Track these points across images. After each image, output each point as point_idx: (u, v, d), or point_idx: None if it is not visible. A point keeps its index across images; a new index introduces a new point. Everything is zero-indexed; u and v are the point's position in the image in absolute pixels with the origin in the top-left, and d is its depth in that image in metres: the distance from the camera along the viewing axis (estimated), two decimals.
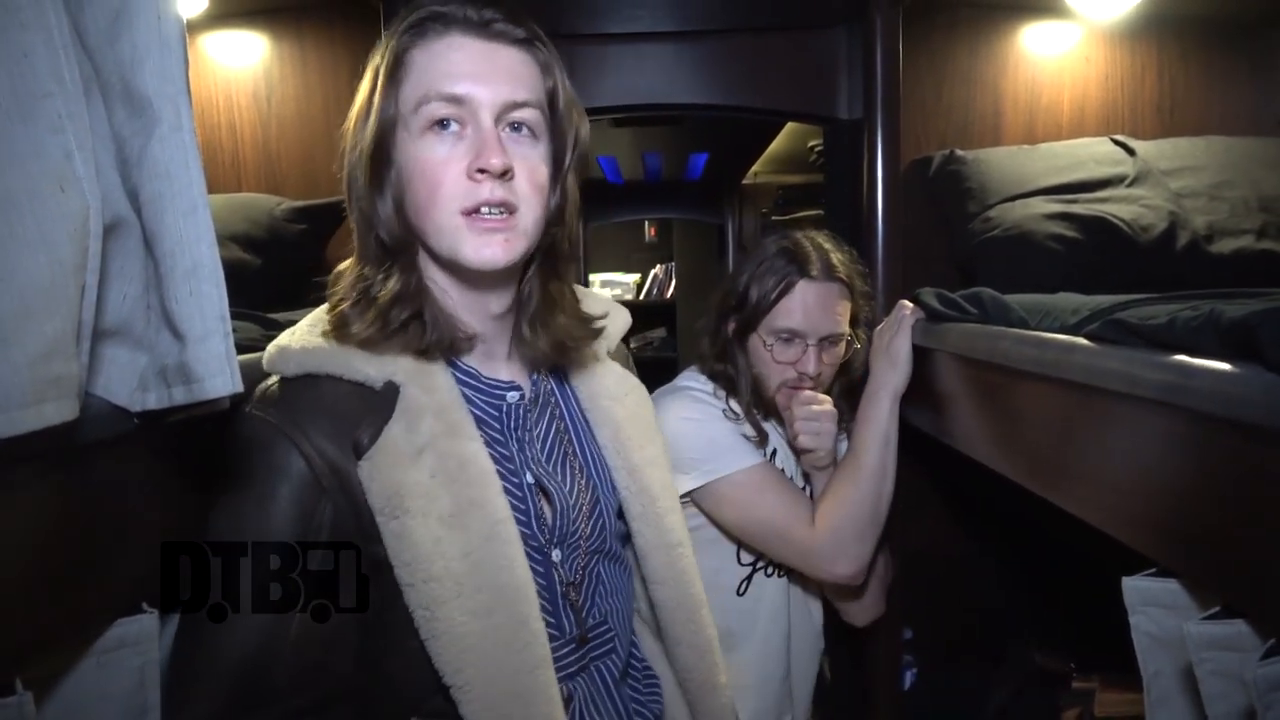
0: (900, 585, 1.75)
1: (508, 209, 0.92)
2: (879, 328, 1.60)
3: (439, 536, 0.87)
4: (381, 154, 0.93)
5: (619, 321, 1.17)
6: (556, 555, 1.00)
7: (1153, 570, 0.87)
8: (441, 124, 0.92)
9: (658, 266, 6.77)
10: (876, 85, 1.88)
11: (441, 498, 0.89)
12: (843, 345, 1.58)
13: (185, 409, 0.76)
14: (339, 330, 0.93)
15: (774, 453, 1.62)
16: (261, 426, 0.87)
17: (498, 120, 0.93)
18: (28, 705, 0.63)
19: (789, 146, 4.05)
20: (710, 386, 1.62)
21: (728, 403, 1.59)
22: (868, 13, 1.88)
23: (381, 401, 0.90)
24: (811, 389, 1.54)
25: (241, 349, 1.24)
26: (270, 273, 1.81)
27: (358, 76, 0.98)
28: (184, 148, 0.73)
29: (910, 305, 1.58)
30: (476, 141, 0.91)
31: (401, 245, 0.95)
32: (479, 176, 0.90)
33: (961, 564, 2.23)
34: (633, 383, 1.18)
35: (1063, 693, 1.83)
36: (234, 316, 1.57)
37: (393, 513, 0.87)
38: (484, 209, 0.91)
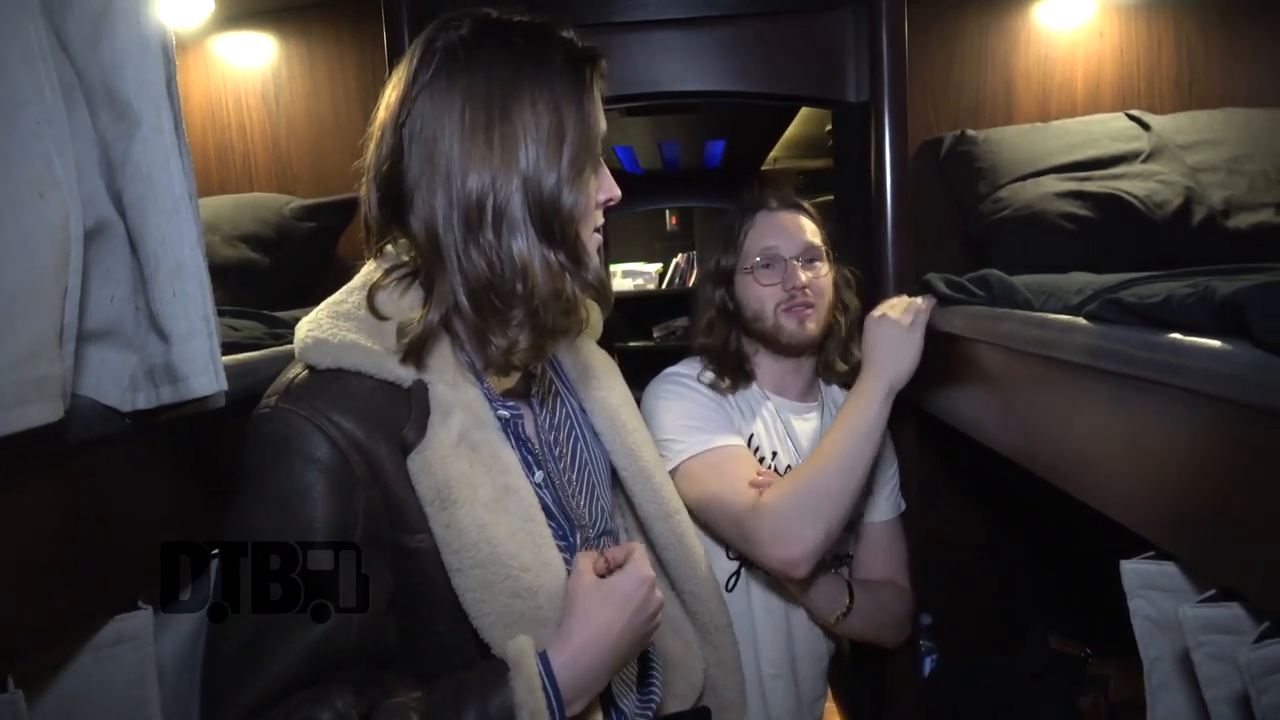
0: (919, 571, 1.74)
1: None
2: (869, 316, 1.56)
3: (484, 523, 0.92)
4: (559, 195, 0.95)
5: (595, 313, 1.21)
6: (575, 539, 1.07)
7: (1150, 553, 0.86)
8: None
9: (679, 255, 6.73)
10: (883, 67, 1.85)
11: (482, 485, 0.94)
12: (827, 266, 1.62)
13: (175, 408, 0.77)
14: (414, 358, 0.95)
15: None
16: (292, 419, 0.88)
17: None
18: (19, 703, 0.65)
19: (808, 131, 4.02)
20: (697, 369, 1.64)
21: (714, 383, 1.61)
22: None
23: (414, 398, 0.93)
24: (808, 305, 1.57)
25: (246, 347, 1.27)
26: (280, 271, 1.83)
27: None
28: (165, 149, 0.74)
29: (918, 303, 1.53)
30: (605, 177, 1.03)
31: (571, 304, 0.99)
32: (607, 205, 1.04)
33: (980, 550, 2.21)
34: (616, 370, 1.28)
35: (1079, 678, 1.80)
36: (239, 315, 1.56)
37: (442, 504, 0.90)
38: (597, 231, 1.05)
